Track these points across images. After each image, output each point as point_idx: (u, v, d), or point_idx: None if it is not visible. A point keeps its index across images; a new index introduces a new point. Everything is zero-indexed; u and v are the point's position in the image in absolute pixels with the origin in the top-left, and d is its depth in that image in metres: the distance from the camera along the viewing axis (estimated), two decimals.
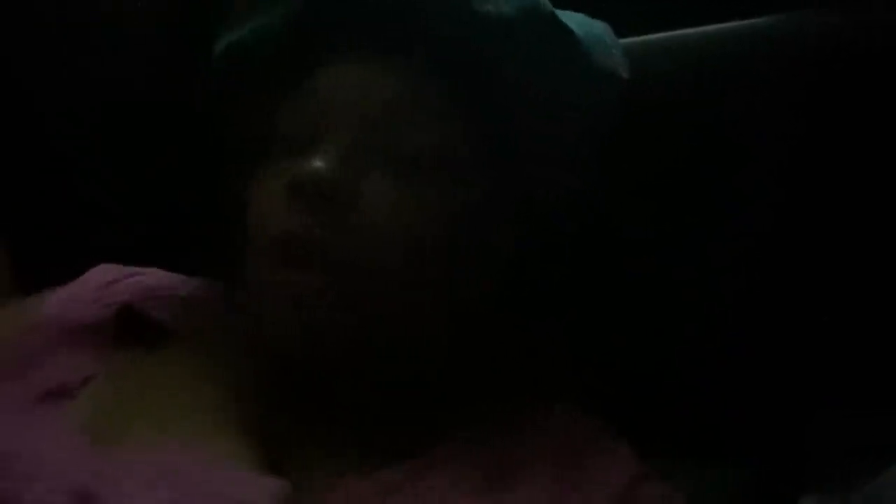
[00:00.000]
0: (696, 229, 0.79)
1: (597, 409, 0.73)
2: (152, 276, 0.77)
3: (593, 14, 0.74)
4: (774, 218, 0.78)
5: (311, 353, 0.66)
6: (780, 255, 0.78)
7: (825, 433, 0.73)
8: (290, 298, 0.64)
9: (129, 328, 0.72)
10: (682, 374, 0.79)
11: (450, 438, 0.68)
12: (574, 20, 0.71)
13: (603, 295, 0.80)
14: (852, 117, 0.77)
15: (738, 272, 0.78)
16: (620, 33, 0.75)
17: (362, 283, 0.64)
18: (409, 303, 0.66)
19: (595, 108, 0.72)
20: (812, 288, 0.77)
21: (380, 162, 0.66)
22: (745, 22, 0.81)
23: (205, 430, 0.66)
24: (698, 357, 0.79)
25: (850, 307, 0.76)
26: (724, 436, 0.77)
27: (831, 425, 0.73)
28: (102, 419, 0.66)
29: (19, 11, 0.85)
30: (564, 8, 0.70)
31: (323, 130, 0.67)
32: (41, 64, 0.86)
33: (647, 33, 0.83)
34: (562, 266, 0.78)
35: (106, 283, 0.75)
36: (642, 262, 0.80)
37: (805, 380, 0.77)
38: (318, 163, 0.64)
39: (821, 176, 0.77)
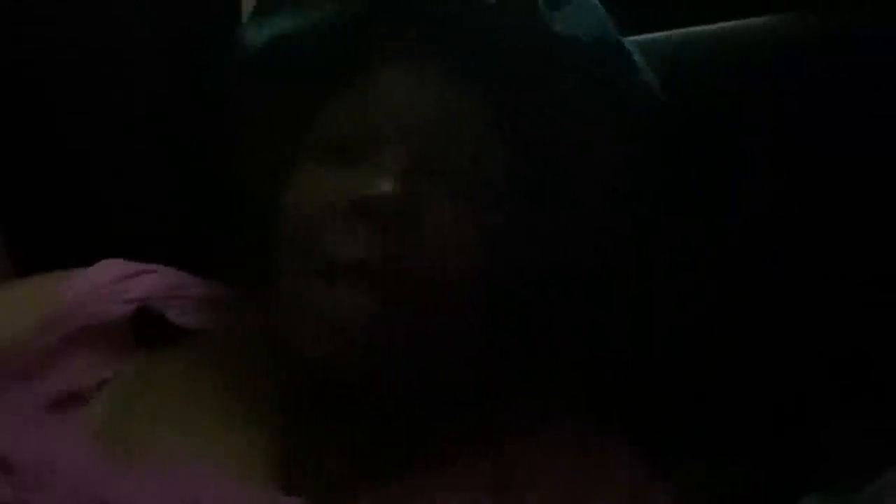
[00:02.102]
0: (696, 228, 0.79)
1: (598, 410, 0.73)
2: (165, 274, 0.75)
3: None
4: (775, 216, 0.78)
5: (345, 373, 0.65)
6: (781, 253, 0.78)
7: (827, 433, 0.74)
8: (335, 319, 0.63)
9: (147, 329, 0.71)
10: (683, 374, 0.79)
11: (460, 444, 0.68)
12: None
13: (604, 295, 0.80)
14: (854, 118, 0.77)
15: (740, 271, 0.78)
16: (623, 32, 0.75)
17: (414, 299, 0.63)
18: (454, 315, 0.66)
19: (636, 126, 0.72)
20: (816, 286, 0.77)
21: (438, 181, 0.65)
22: (746, 21, 0.82)
23: (220, 441, 0.65)
24: (700, 357, 0.78)
25: (852, 307, 0.76)
26: (725, 436, 0.77)
27: (833, 425, 0.74)
28: (116, 426, 0.65)
29: (27, 10, 0.85)
30: None
31: (377, 142, 0.65)
32: (51, 59, 0.86)
33: (647, 32, 0.83)
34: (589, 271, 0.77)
35: (117, 278, 0.73)
36: (643, 262, 0.80)
37: (807, 379, 0.77)
38: (386, 184, 0.62)
39: (829, 176, 0.77)
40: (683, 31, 0.83)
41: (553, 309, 0.74)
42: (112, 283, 0.73)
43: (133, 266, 0.75)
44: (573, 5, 0.68)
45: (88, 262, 0.76)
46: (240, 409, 0.67)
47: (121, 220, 0.86)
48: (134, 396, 0.67)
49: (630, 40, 0.75)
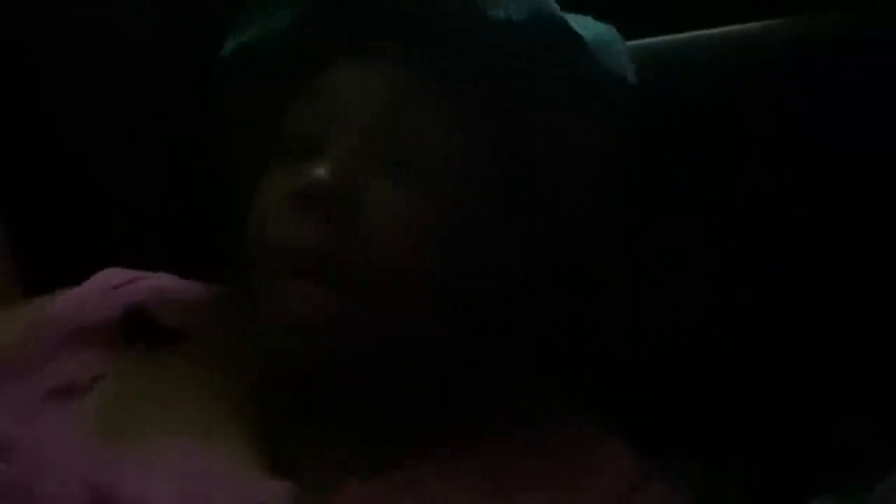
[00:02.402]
0: (701, 229, 0.79)
1: (598, 410, 0.72)
2: (161, 280, 0.76)
3: (600, 16, 0.74)
4: (776, 216, 0.78)
5: (314, 363, 0.65)
6: (782, 252, 0.78)
7: (836, 433, 0.74)
8: (295, 309, 0.63)
9: (137, 329, 0.72)
10: (683, 374, 0.79)
11: (452, 441, 0.68)
12: (582, 24, 0.70)
13: (604, 294, 0.80)
14: (855, 119, 0.77)
15: (741, 271, 0.79)
16: (627, 36, 0.75)
17: (367, 293, 0.63)
18: (413, 310, 0.66)
19: (605, 115, 0.72)
20: (821, 287, 0.77)
21: (384, 168, 0.65)
22: (752, 24, 0.82)
23: (211, 431, 0.66)
24: (700, 356, 0.79)
25: (858, 308, 0.76)
26: (731, 436, 0.77)
27: (842, 425, 0.74)
28: (111, 417, 0.66)
29: (28, 10, 0.85)
30: (573, 10, 0.70)
31: (326, 135, 0.66)
32: (52, 67, 0.86)
33: (653, 35, 0.83)
34: (566, 267, 0.77)
35: (114, 285, 0.75)
36: (644, 261, 0.80)
37: (814, 379, 0.77)
38: (322, 171, 0.63)
39: (829, 177, 0.78)
40: (684, 35, 0.84)
41: (534, 303, 0.74)
42: (105, 291, 0.74)
43: (128, 274, 0.76)
44: None
45: (88, 261, 0.76)
46: (228, 405, 0.68)
47: (120, 219, 0.86)
48: (126, 392, 0.68)
49: (631, 44, 0.75)
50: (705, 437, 0.77)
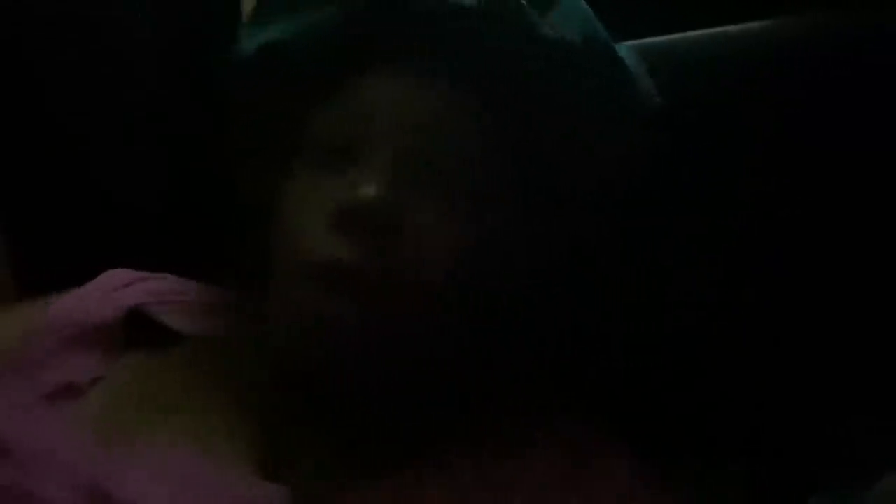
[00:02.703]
0: (699, 229, 0.79)
1: (599, 410, 0.72)
2: (161, 281, 0.76)
3: (600, 17, 0.74)
4: (778, 216, 0.78)
5: (332, 375, 0.65)
6: (782, 253, 0.78)
7: (835, 432, 0.73)
8: (324, 324, 0.63)
9: (138, 330, 0.71)
10: (683, 375, 0.78)
11: (451, 446, 0.67)
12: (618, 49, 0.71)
13: (604, 294, 0.80)
14: (857, 118, 0.77)
15: (743, 270, 0.79)
16: (627, 36, 0.75)
17: (391, 303, 0.63)
18: (431, 317, 0.66)
19: (632, 133, 0.72)
20: (822, 287, 0.77)
21: (423, 185, 0.65)
22: (752, 24, 0.82)
23: (210, 434, 0.65)
24: (705, 357, 0.78)
25: (857, 308, 0.76)
26: (731, 436, 0.77)
27: (841, 424, 0.73)
28: (110, 419, 0.65)
29: (28, 11, 0.85)
30: None
31: (364, 146, 0.65)
32: (52, 67, 0.86)
33: (653, 36, 0.83)
34: (575, 270, 0.77)
35: (115, 286, 0.74)
36: (645, 261, 0.80)
37: (814, 379, 0.77)
38: (369, 191, 0.62)
39: (832, 177, 0.78)
40: (684, 35, 0.84)
41: (546, 309, 0.74)
42: (106, 292, 0.74)
43: (130, 275, 0.76)
44: (561, 8, 0.68)
45: (88, 261, 0.76)
46: (228, 408, 0.67)
47: (120, 220, 0.86)
48: (126, 394, 0.68)
49: (632, 44, 0.75)
50: (705, 437, 0.77)
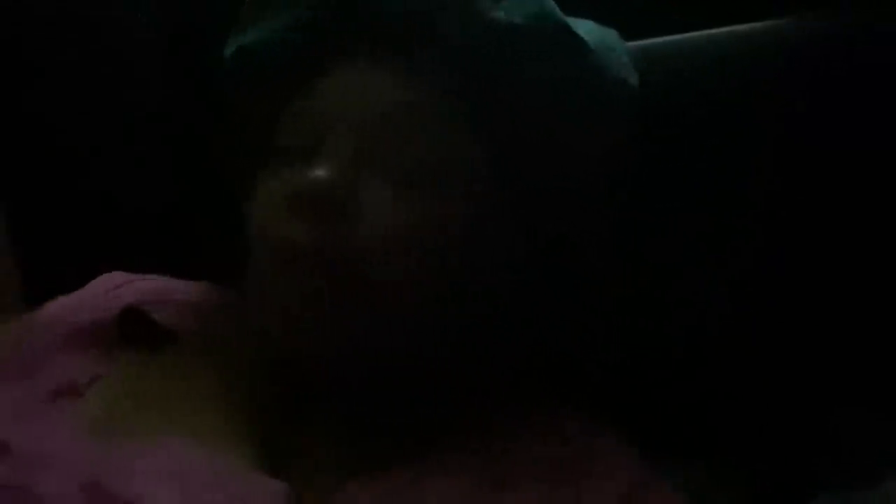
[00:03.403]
0: (705, 226, 0.79)
1: (598, 410, 0.72)
2: (157, 281, 0.77)
3: (600, 17, 0.74)
4: (781, 215, 0.78)
5: (311, 360, 0.66)
6: (785, 252, 0.78)
7: (835, 432, 0.73)
8: (291, 305, 0.64)
9: (134, 330, 0.72)
10: (687, 373, 0.79)
11: (450, 442, 0.67)
12: (584, 28, 0.70)
13: (604, 294, 0.80)
14: (861, 118, 0.77)
15: (745, 271, 0.78)
16: (628, 36, 0.75)
17: (362, 292, 0.63)
18: (411, 310, 0.66)
19: (606, 118, 0.71)
20: (822, 287, 0.77)
21: (381, 171, 0.65)
22: (752, 24, 0.82)
23: (209, 431, 0.66)
24: (706, 355, 0.78)
25: (859, 307, 0.76)
26: (732, 436, 0.77)
27: (842, 425, 0.73)
28: (109, 418, 0.66)
29: (28, 11, 0.85)
30: (572, 12, 0.70)
31: (324, 138, 0.66)
32: (52, 67, 0.86)
33: (653, 36, 0.83)
34: (565, 268, 0.77)
35: (110, 288, 0.75)
36: (645, 261, 0.80)
37: (815, 379, 0.77)
38: (317, 172, 0.63)
39: (835, 177, 0.78)
40: (684, 35, 0.84)
41: (529, 301, 0.74)
42: (101, 294, 0.74)
43: (127, 276, 0.76)
44: None
45: (89, 261, 0.77)
46: (226, 406, 0.68)
47: (121, 219, 0.87)
48: (125, 393, 0.68)
49: (632, 44, 0.75)
50: (706, 437, 0.77)
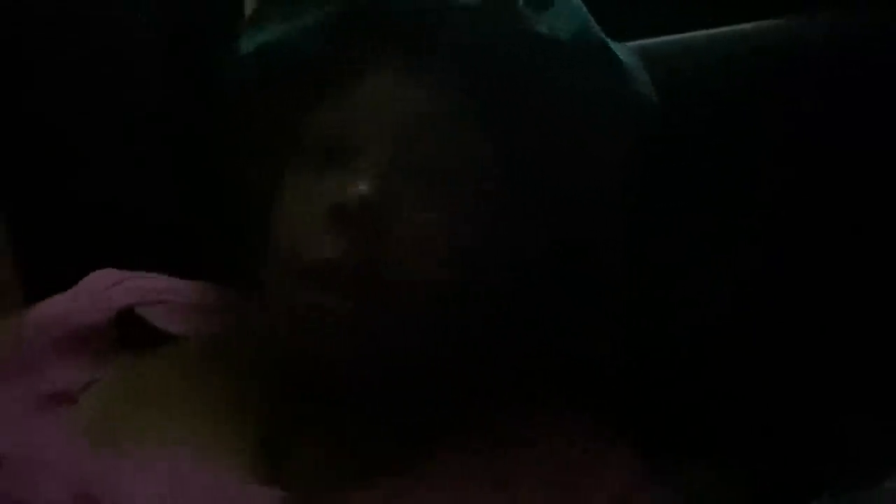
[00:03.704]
0: (710, 227, 0.79)
1: (599, 410, 0.72)
2: (151, 280, 0.76)
3: (600, 17, 0.74)
4: (785, 216, 0.78)
5: (329, 373, 0.65)
6: (787, 253, 0.78)
7: (836, 432, 0.73)
8: (318, 323, 0.63)
9: (130, 332, 0.71)
10: (689, 373, 0.78)
11: (450, 445, 0.67)
12: (615, 47, 0.71)
13: (605, 292, 0.80)
14: (862, 118, 0.77)
15: (750, 271, 0.79)
16: (628, 36, 0.75)
17: (387, 301, 0.63)
18: (428, 314, 0.66)
19: (630, 130, 0.72)
20: (823, 288, 0.77)
21: (414, 180, 0.65)
22: (752, 25, 0.82)
23: (205, 437, 0.65)
24: (708, 356, 0.78)
25: (861, 308, 0.76)
26: (733, 436, 0.77)
27: (843, 425, 0.73)
28: (104, 423, 0.65)
29: (28, 11, 0.85)
30: None
31: (360, 144, 0.65)
32: (52, 67, 0.86)
33: (653, 36, 0.83)
34: (574, 270, 0.77)
35: (104, 287, 0.74)
36: (650, 262, 0.80)
37: (816, 380, 0.77)
38: (363, 186, 0.62)
39: (839, 177, 0.78)
40: (685, 35, 0.84)
41: (542, 306, 0.74)
42: (95, 293, 0.74)
43: (117, 275, 0.76)
44: (556, 7, 0.69)
45: (89, 262, 0.76)
46: (223, 410, 0.67)
47: (121, 220, 0.86)
48: (120, 396, 0.68)
49: (632, 44, 0.75)
50: (707, 437, 0.77)
